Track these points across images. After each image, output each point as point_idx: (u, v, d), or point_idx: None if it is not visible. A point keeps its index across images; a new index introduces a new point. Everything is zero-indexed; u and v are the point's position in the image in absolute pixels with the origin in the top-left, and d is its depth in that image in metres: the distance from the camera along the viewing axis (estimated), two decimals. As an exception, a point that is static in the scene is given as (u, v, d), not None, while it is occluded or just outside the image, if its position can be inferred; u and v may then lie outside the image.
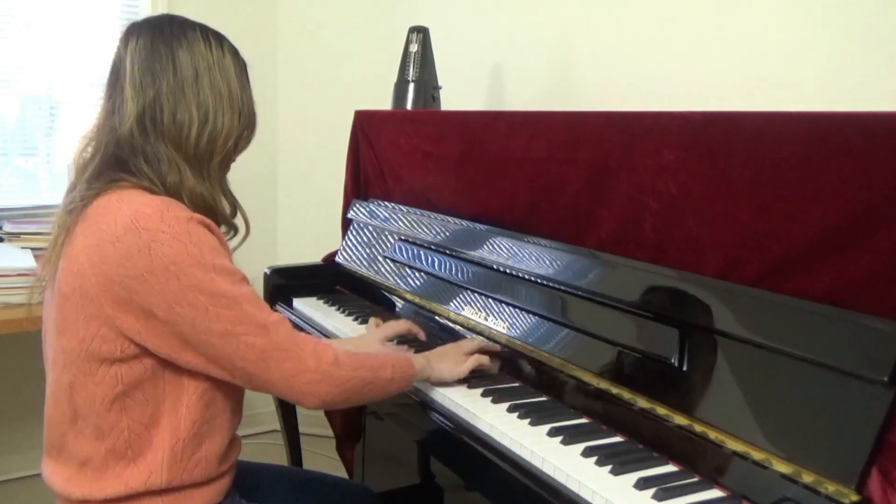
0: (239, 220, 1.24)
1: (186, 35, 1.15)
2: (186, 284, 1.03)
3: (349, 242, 2.07)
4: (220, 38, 1.19)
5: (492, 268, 1.55)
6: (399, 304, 1.79)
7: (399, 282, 1.79)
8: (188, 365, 1.08)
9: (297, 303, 1.93)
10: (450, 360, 1.34)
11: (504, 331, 1.43)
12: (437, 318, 1.63)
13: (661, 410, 1.11)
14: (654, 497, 0.97)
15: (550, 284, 1.39)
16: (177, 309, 1.04)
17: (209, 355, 1.07)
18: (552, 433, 1.15)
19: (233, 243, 1.23)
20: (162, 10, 2.63)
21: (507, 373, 1.40)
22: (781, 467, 0.94)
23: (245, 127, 1.21)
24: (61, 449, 1.15)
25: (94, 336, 1.07)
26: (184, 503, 1.13)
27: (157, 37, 1.14)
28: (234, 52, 1.21)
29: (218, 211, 1.19)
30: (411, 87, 2.12)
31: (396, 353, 1.30)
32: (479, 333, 1.50)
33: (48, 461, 1.18)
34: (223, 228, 1.22)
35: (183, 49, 1.14)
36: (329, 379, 1.10)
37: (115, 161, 1.12)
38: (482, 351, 1.40)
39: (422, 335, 1.52)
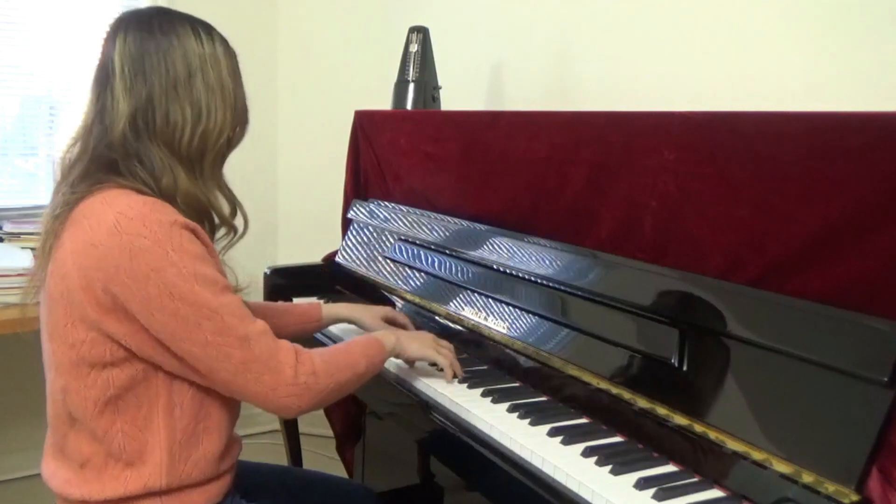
0: (238, 219, 1.22)
1: (177, 30, 1.11)
2: (167, 293, 1.01)
3: (349, 242, 2.07)
4: (209, 30, 1.15)
5: (492, 268, 1.55)
6: (399, 304, 1.79)
7: (399, 282, 1.79)
8: (171, 369, 1.08)
9: (297, 303, 1.93)
10: (419, 341, 1.35)
11: (504, 331, 1.43)
12: (437, 318, 1.63)
13: (661, 410, 1.11)
14: (654, 497, 0.97)
15: (550, 284, 1.39)
16: (157, 316, 1.02)
17: (189, 362, 1.06)
18: (552, 433, 1.15)
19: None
20: (162, 9, 2.62)
21: (506, 373, 1.40)
22: (781, 467, 0.94)
23: (238, 122, 1.18)
24: (62, 450, 1.15)
25: (84, 341, 1.05)
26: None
27: (147, 33, 1.10)
28: (225, 44, 1.17)
29: (214, 211, 1.17)
30: (411, 87, 2.12)
31: (366, 339, 1.28)
32: (479, 333, 1.50)
33: (48, 461, 1.18)
34: (222, 230, 1.20)
35: (174, 46, 1.10)
36: (307, 391, 1.10)
37: (104, 163, 1.09)
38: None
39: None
